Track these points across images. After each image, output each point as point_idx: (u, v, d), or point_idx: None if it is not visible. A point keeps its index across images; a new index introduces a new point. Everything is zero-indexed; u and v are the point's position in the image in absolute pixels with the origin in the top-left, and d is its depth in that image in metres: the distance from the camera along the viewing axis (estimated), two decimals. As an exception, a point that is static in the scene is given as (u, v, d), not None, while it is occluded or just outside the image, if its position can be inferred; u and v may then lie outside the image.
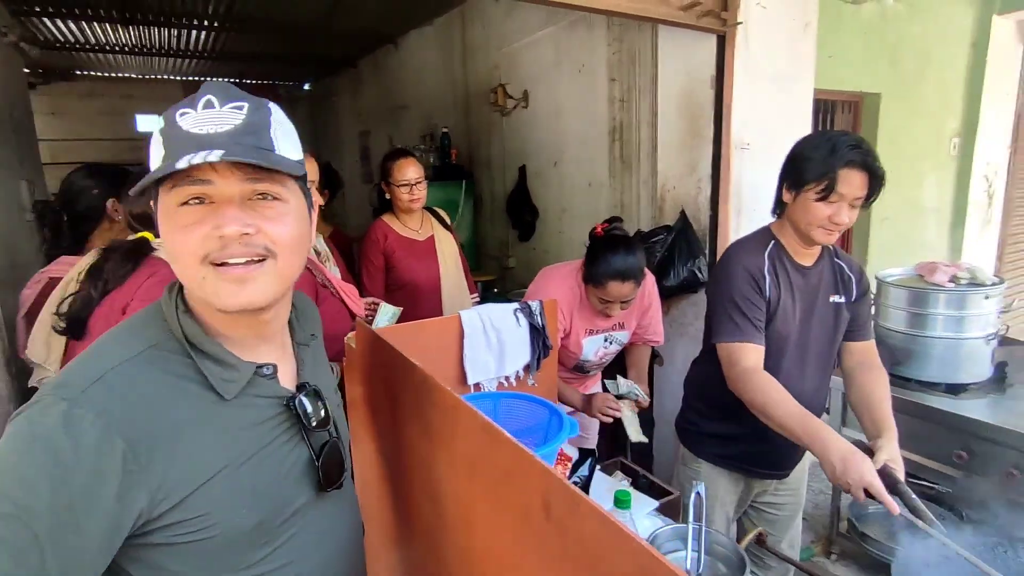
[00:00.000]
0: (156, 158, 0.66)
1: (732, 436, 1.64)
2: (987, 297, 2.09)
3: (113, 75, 6.50)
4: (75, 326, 1.22)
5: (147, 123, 7.12)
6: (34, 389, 1.27)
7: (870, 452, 1.33)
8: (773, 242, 1.54)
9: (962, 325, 2.13)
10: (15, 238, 2.19)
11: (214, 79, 0.70)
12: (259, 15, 4.35)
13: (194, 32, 4.79)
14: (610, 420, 1.84)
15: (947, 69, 3.94)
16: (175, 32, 4.74)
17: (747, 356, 1.47)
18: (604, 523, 0.58)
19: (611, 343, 1.99)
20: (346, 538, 0.88)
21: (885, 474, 1.28)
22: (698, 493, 1.23)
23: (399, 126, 5.57)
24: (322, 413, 0.78)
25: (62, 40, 4.82)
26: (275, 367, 0.76)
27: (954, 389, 2.16)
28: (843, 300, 1.59)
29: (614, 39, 3.07)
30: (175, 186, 0.64)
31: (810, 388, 1.58)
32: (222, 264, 0.65)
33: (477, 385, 1.62)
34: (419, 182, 2.35)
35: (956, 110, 4.07)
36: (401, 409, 1.12)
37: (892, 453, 1.32)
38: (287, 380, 0.80)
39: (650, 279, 2.01)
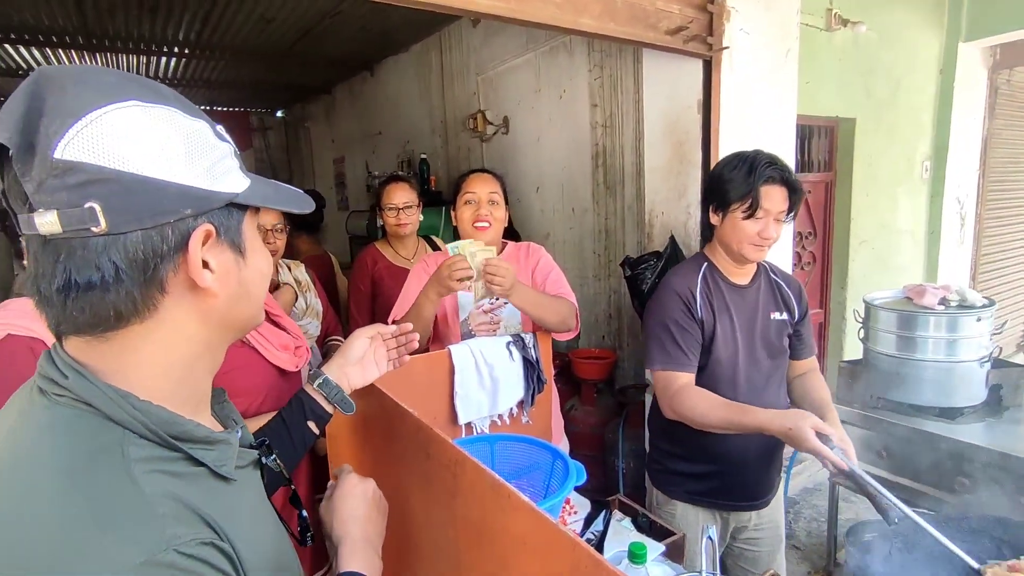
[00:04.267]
0: (233, 179, 0.56)
1: (704, 473, 1.58)
2: (979, 319, 2.08)
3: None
4: None
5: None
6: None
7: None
8: (706, 264, 1.56)
9: (954, 348, 2.11)
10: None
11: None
12: (230, 42, 4.27)
13: (163, 59, 4.68)
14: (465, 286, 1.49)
15: (917, 94, 4.04)
16: (143, 59, 4.63)
17: (678, 382, 1.47)
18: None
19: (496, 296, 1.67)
20: None
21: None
22: (710, 538, 1.18)
23: (376, 153, 5.50)
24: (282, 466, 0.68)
25: (25, 67, 4.66)
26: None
27: (949, 413, 2.13)
28: (786, 318, 1.60)
29: (595, 65, 3.06)
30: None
31: (768, 403, 1.52)
32: None
33: (469, 425, 1.53)
34: (407, 207, 2.28)
35: (927, 134, 4.16)
36: (392, 462, 1.02)
37: (840, 435, 1.34)
38: None
39: (541, 250, 1.82)
